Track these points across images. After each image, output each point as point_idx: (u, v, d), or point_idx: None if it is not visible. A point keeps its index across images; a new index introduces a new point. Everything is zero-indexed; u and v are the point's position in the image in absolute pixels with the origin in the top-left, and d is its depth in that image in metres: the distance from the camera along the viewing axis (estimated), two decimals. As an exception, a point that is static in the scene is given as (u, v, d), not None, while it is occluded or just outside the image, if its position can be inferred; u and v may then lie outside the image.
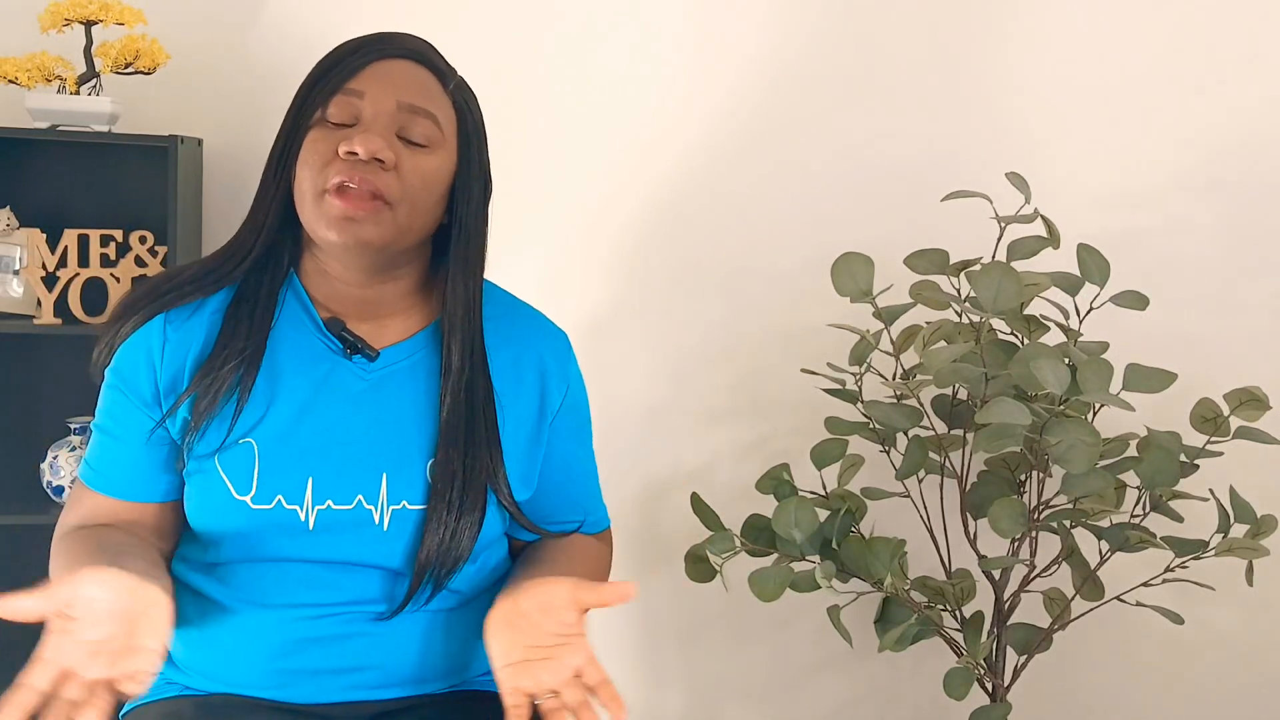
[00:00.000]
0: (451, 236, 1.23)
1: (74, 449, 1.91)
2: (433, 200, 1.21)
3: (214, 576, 1.20)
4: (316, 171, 1.16)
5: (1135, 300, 1.67)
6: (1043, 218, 1.70)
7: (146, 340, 1.20)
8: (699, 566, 1.72)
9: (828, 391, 1.79)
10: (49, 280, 1.87)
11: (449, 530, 1.18)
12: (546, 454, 1.28)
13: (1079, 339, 1.71)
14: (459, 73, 1.25)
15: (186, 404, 1.18)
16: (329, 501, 1.17)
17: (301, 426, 1.19)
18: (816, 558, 1.69)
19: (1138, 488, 1.68)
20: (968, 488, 1.76)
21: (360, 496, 1.18)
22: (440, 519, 1.18)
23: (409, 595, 1.19)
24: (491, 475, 1.22)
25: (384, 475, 1.19)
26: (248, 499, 1.16)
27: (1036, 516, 1.68)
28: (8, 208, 1.96)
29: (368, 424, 1.20)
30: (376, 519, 1.18)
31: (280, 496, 1.17)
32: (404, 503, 1.19)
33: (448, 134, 1.21)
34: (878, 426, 1.75)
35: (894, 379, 1.77)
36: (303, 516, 1.17)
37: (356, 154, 1.15)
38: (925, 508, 1.82)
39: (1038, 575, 1.73)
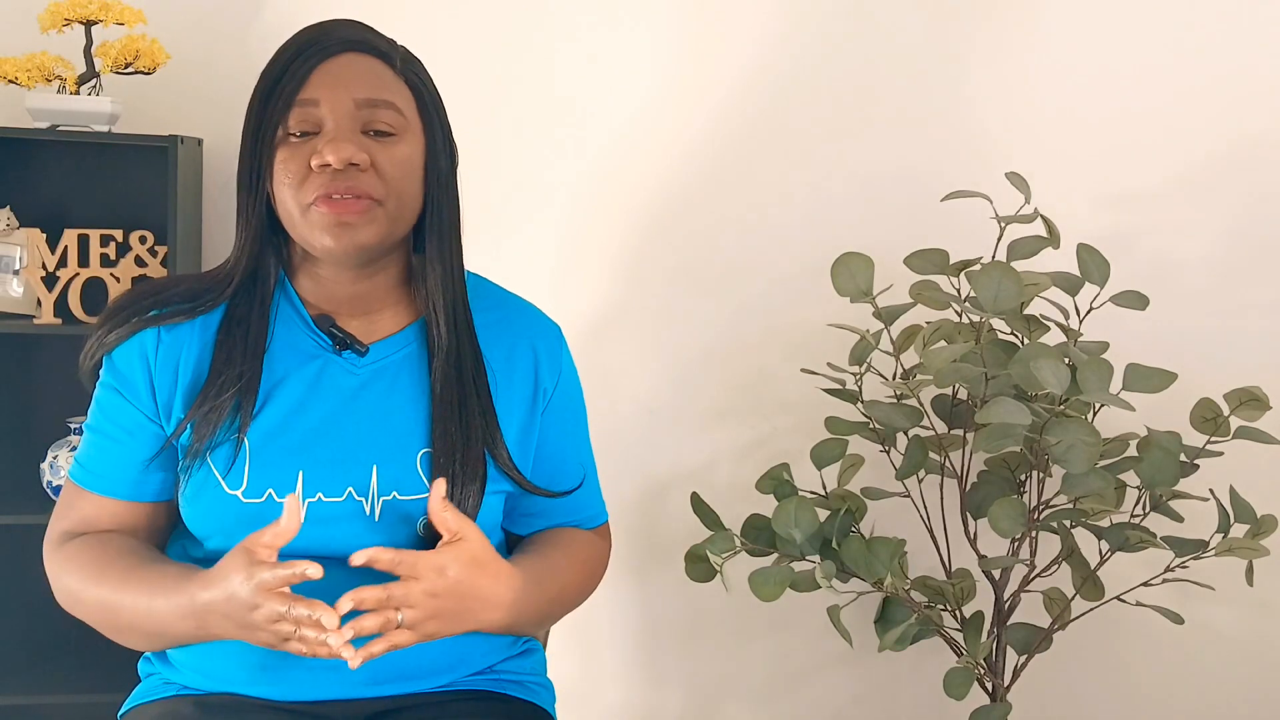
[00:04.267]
0: (425, 215, 1.23)
1: (74, 449, 1.91)
2: (415, 186, 1.21)
3: None
4: (296, 190, 1.16)
5: (1135, 300, 1.67)
6: (1043, 218, 1.70)
7: (141, 341, 1.20)
8: (699, 566, 1.72)
9: (828, 391, 1.79)
10: (49, 280, 1.87)
11: (454, 503, 1.19)
12: (540, 442, 1.29)
13: (1079, 339, 1.71)
14: (399, 44, 1.24)
15: (187, 429, 1.18)
16: (319, 494, 1.18)
17: (293, 423, 1.20)
18: (816, 558, 1.69)
19: (1138, 488, 1.68)
20: (968, 488, 1.76)
21: (350, 489, 1.18)
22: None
23: None
24: (490, 441, 1.23)
25: (374, 467, 1.19)
26: (239, 493, 1.17)
27: (1036, 516, 1.68)
28: (8, 208, 1.96)
29: (359, 418, 1.21)
30: (367, 510, 1.18)
31: (271, 490, 1.17)
32: (394, 493, 1.19)
33: (410, 116, 1.21)
34: (878, 426, 1.75)
35: (894, 379, 1.77)
36: None
37: (330, 164, 1.15)
38: (925, 508, 1.82)
39: (1038, 575, 1.73)
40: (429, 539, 1.19)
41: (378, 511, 1.19)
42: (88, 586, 1.17)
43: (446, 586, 1.12)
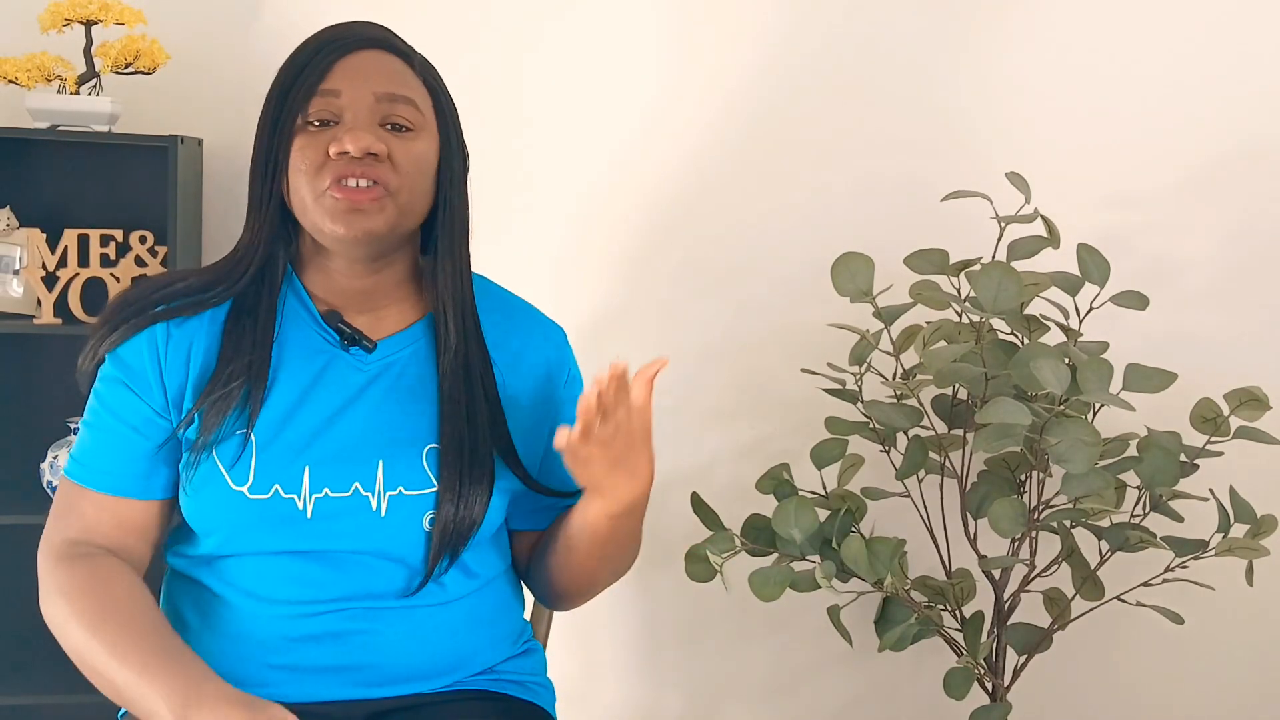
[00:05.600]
0: (437, 216, 1.24)
1: (74, 449, 1.91)
2: (427, 183, 1.22)
3: (212, 570, 1.20)
4: (312, 177, 1.17)
5: (1135, 300, 1.67)
6: (1043, 218, 1.70)
7: (150, 334, 1.20)
8: (699, 566, 1.72)
9: (828, 391, 1.79)
10: (49, 280, 1.87)
11: (462, 500, 1.19)
12: (549, 448, 1.29)
13: (1079, 339, 1.71)
14: (416, 49, 1.26)
15: (195, 419, 1.18)
16: (326, 490, 1.18)
17: (299, 418, 1.20)
18: (816, 558, 1.69)
19: (1138, 488, 1.68)
20: (968, 488, 1.76)
21: (357, 484, 1.19)
22: (452, 490, 1.19)
23: (431, 567, 1.19)
24: (498, 440, 1.23)
25: (380, 462, 1.19)
26: (244, 489, 1.17)
27: (1036, 516, 1.68)
28: (8, 208, 1.96)
29: (365, 413, 1.21)
30: (374, 505, 1.18)
31: (277, 486, 1.17)
32: (401, 488, 1.19)
33: (427, 115, 1.22)
34: (878, 426, 1.75)
35: (894, 379, 1.77)
36: (300, 505, 1.17)
37: (348, 152, 1.15)
38: (925, 508, 1.82)
39: (1038, 575, 1.73)
40: (435, 534, 1.19)
41: (384, 507, 1.19)
42: (80, 632, 1.14)
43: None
